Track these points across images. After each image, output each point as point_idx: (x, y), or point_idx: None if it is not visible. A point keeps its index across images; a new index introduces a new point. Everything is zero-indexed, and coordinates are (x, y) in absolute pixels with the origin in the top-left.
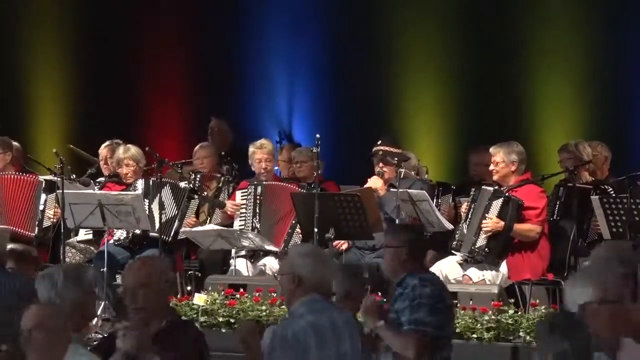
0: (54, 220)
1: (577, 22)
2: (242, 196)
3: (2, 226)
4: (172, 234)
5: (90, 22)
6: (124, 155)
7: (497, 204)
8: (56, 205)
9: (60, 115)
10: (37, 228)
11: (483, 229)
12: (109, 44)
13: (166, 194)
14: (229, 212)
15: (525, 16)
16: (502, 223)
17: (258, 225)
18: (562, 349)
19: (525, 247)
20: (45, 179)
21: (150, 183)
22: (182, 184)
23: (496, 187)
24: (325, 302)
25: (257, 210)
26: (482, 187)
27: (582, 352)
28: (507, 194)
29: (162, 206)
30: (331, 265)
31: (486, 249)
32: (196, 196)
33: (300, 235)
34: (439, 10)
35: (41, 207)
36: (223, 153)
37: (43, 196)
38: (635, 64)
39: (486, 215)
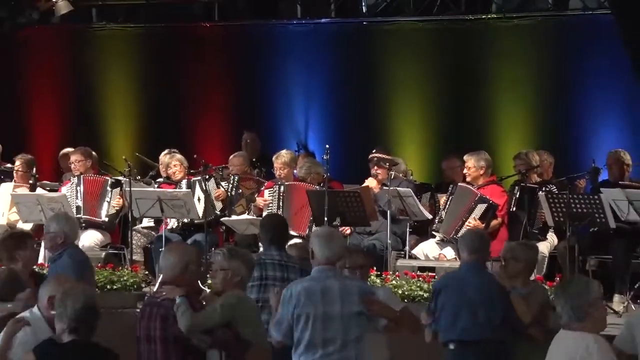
0: (117, 208)
1: (529, 58)
2: (269, 194)
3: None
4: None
5: (152, 58)
6: (170, 159)
7: (480, 208)
8: (119, 197)
9: (130, 131)
10: (103, 215)
11: (466, 225)
12: (166, 75)
13: (200, 188)
14: (260, 206)
15: (490, 53)
16: (482, 225)
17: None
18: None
19: (489, 233)
20: (116, 179)
21: (191, 182)
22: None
23: (479, 194)
24: (328, 272)
25: (281, 204)
26: (459, 184)
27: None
28: (491, 202)
29: (206, 193)
30: (339, 244)
31: None
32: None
33: None
34: (423, 51)
35: (108, 199)
36: (254, 159)
37: (110, 191)
38: (573, 91)
39: (471, 215)
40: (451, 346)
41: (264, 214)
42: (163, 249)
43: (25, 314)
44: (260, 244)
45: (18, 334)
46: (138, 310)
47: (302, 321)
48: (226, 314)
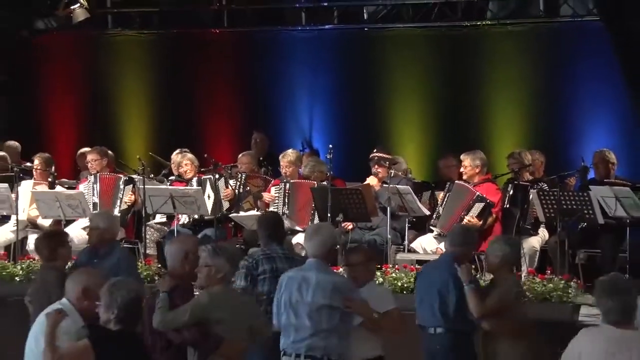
0: (129, 204)
1: (522, 62)
2: (275, 191)
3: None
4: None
5: (165, 63)
6: (182, 158)
7: (478, 207)
8: (131, 193)
9: (143, 131)
10: (116, 210)
11: (465, 223)
12: (178, 79)
13: (210, 186)
14: (266, 201)
15: (485, 58)
16: (480, 223)
17: (287, 212)
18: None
19: (484, 229)
20: (129, 177)
21: (202, 180)
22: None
23: (477, 193)
24: (313, 264)
25: (286, 201)
26: (457, 182)
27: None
28: (488, 201)
29: (216, 191)
30: (320, 239)
31: None
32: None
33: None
34: (421, 55)
35: (120, 196)
36: (261, 158)
37: (122, 188)
38: (563, 93)
39: (469, 213)
40: (424, 329)
41: (270, 209)
42: None
43: (57, 305)
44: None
45: (61, 324)
46: None
47: (282, 306)
48: (195, 314)
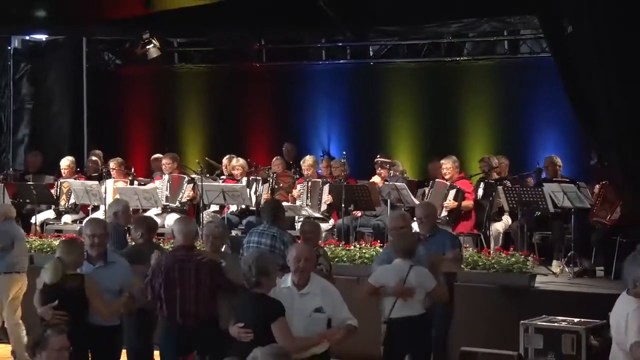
0: (189, 197)
1: (491, 88)
2: (300, 187)
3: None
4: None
5: (218, 89)
6: (235, 163)
7: (452, 193)
8: (191, 190)
9: (201, 141)
10: (178, 202)
11: (444, 207)
12: (227, 102)
13: (256, 185)
14: (295, 196)
15: (462, 85)
16: (456, 203)
17: (310, 203)
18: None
19: (462, 214)
20: (191, 177)
21: (250, 179)
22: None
23: (449, 184)
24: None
25: (309, 195)
26: (436, 180)
27: None
28: (457, 187)
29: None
30: (391, 221)
31: (447, 217)
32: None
33: (326, 205)
34: (414, 83)
35: (183, 191)
36: (291, 162)
37: (185, 185)
38: (523, 113)
39: (447, 199)
40: None
41: (297, 202)
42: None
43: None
44: (296, 221)
45: None
46: None
47: None
48: None
